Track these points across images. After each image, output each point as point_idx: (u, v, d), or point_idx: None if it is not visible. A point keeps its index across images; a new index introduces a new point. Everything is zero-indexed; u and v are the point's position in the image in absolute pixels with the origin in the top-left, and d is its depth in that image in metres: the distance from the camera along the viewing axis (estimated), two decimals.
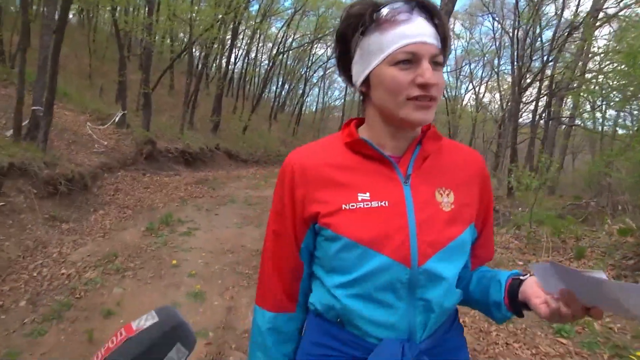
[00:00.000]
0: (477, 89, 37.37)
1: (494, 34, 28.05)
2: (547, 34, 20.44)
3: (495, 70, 29.74)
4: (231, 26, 20.63)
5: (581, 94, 14.55)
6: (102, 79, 17.11)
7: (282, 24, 30.72)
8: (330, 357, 1.02)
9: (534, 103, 20.03)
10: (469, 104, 40.77)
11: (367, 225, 0.95)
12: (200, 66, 21.50)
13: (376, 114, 1.03)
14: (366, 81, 1.00)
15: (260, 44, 34.00)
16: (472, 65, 36.71)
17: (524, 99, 19.52)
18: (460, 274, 1.07)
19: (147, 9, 15.58)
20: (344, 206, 0.97)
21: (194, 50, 20.61)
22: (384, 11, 0.94)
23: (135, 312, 3.96)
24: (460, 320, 1.16)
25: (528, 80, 17.53)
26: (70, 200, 7.08)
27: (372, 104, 1.02)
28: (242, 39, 30.54)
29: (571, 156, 29.47)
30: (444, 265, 0.97)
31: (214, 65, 28.77)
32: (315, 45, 35.13)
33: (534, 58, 17.44)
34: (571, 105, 19.31)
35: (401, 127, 1.00)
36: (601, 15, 14.37)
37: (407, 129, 1.02)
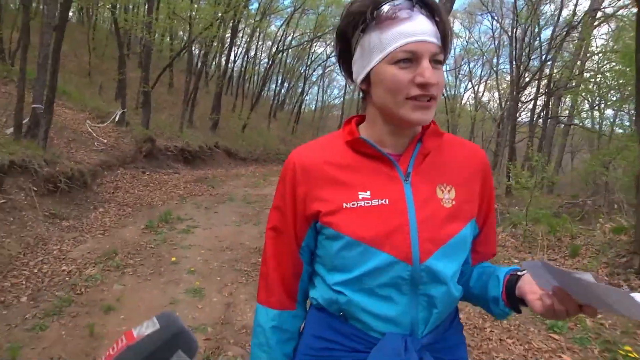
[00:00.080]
0: (476, 88, 37.56)
1: (493, 33, 28.16)
2: (546, 33, 20.48)
3: (494, 69, 29.79)
4: (231, 24, 20.62)
5: (579, 93, 14.62)
6: (102, 77, 17.12)
7: (282, 22, 30.74)
8: (332, 350, 1.03)
9: (532, 102, 20.08)
10: (468, 102, 40.87)
11: (368, 223, 0.96)
12: (199, 64, 21.55)
13: (376, 112, 1.02)
14: (366, 79, 1.00)
15: (259, 42, 34.04)
16: (472, 64, 36.81)
17: (522, 98, 19.60)
18: (462, 269, 1.08)
19: (146, 7, 15.58)
20: (345, 205, 0.98)
21: (193, 48, 20.62)
22: (384, 8, 0.93)
23: (135, 308, 4.03)
24: None
25: (526, 80, 17.57)
26: (70, 197, 7.13)
27: (372, 102, 1.02)
28: (242, 37, 30.56)
29: (570, 155, 29.50)
30: (446, 261, 0.97)
31: (214, 63, 28.75)
32: (315, 44, 35.24)
33: (532, 57, 17.50)
34: (569, 105, 19.39)
35: (400, 126, 1.00)
36: (599, 14, 14.41)
37: (406, 128, 1.02)
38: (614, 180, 9.11)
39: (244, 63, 32.64)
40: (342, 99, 46.94)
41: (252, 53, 33.43)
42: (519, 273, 0.97)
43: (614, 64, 13.63)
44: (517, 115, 19.44)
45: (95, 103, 13.02)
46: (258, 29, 28.57)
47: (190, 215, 7.76)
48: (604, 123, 20.14)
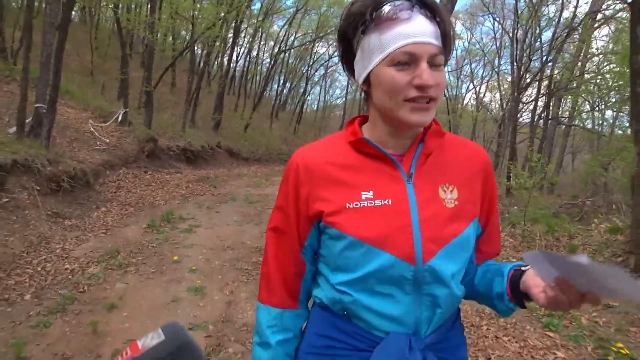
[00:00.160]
0: (477, 89, 37.46)
1: (495, 34, 28.16)
2: (547, 35, 20.50)
3: (496, 70, 29.81)
4: (233, 24, 20.64)
5: (579, 94, 14.65)
6: (104, 77, 17.16)
7: (284, 22, 30.79)
8: (336, 348, 1.03)
9: (533, 103, 20.10)
10: (469, 103, 40.88)
11: (371, 223, 0.96)
12: (202, 64, 21.59)
13: (377, 113, 1.03)
14: (367, 80, 1.00)
15: (262, 42, 34.04)
16: (473, 65, 36.83)
17: (523, 99, 19.60)
18: (466, 269, 1.08)
19: (149, 6, 15.64)
20: (348, 205, 0.98)
21: (196, 48, 20.68)
22: (384, 9, 0.92)
23: (138, 306, 4.09)
24: None
25: (527, 81, 17.60)
26: (72, 197, 7.19)
27: (373, 103, 1.02)
28: (244, 37, 30.58)
29: (571, 156, 29.51)
30: (449, 261, 0.98)
31: (216, 63, 28.89)
32: (317, 44, 35.24)
33: (533, 58, 17.49)
34: (570, 106, 19.42)
35: (399, 127, 1.00)
36: (599, 16, 14.44)
37: (405, 129, 1.01)
38: (613, 181, 9.15)
39: (247, 63, 32.60)
40: (344, 99, 46.98)
41: (254, 53, 33.41)
42: (522, 268, 0.98)
43: (613, 65, 13.69)
44: (518, 116, 19.47)
45: (97, 102, 13.07)
46: (260, 29, 28.56)
47: (192, 214, 7.82)
48: (604, 124, 20.18)
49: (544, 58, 17.45)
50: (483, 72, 41.25)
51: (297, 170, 1.04)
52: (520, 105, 19.14)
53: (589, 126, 19.99)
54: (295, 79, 37.89)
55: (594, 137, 18.44)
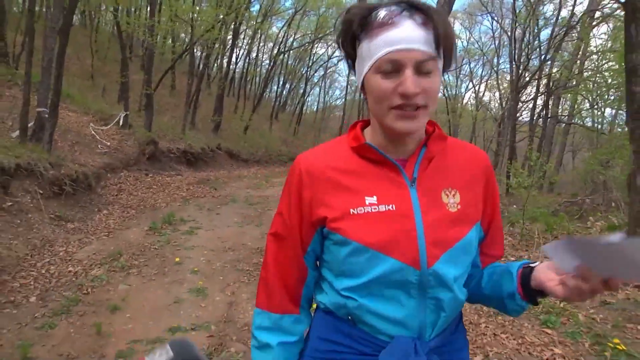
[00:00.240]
0: (477, 88, 37.47)
1: (493, 33, 28.17)
2: (545, 33, 20.55)
3: (495, 69, 29.79)
4: (232, 26, 20.73)
5: (578, 92, 14.67)
6: (104, 80, 17.24)
7: (283, 23, 30.90)
8: (340, 353, 1.02)
9: (532, 102, 20.14)
10: (469, 102, 40.85)
11: (376, 229, 0.96)
12: (201, 66, 21.66)
13: (374, 118, 1.03)
14: (363, 86, 0.99)
15: (261, 44, 34.11)
16: (472, 64, 36.72)
17: (522, 98, 19.65)
18: (471, 272, 1.08)
19: (148, 9, 15.73)
20: (351, 210, 0.97)
21: (195, 50, 20.73)
22: (374, 15, 0.92)
23: (140, 307, 4.15)
24: None
25: (526, 79, 17.64)
26: (75, 200, 7.25)
27: (369, 109, 1.02)
28: (243, 39, 30.58)
29: (571, 154, 29.52)
30: (452, 265, 0.97)
31: (215, 65, 28.92)
32: (316, 45, 35.19)
33: (532, 57, 17.53)
34: (569, 104, 19.45)
35: (389, 135, 1.00)
36: (597, 14, 14.48)
37: (395, 137, 1.01)
38: (612, 179, 9.19)
39: (246, 65, 32.73)
40: (343, 99, 47.03)
41: (253, 55, 33.56)
42: (531, 265, 0.98)
43: (612, 63, 13.73)
44: (518, 114, 19.51)
45: (98, 106, 13.15)
46: (259, 31, 28.60)
47: (193, 216, 7.87)
48: (604, 122, 20.20)
49: (543, 56, 17.50)
50: (482, 71, 41.12)
51: (300, 176, 1.04)
52: (520, 103, 19.20)
53: (589, 124, 19.98)
54: (295, 80, 37.90)
55: (593, 135, 18.46)
